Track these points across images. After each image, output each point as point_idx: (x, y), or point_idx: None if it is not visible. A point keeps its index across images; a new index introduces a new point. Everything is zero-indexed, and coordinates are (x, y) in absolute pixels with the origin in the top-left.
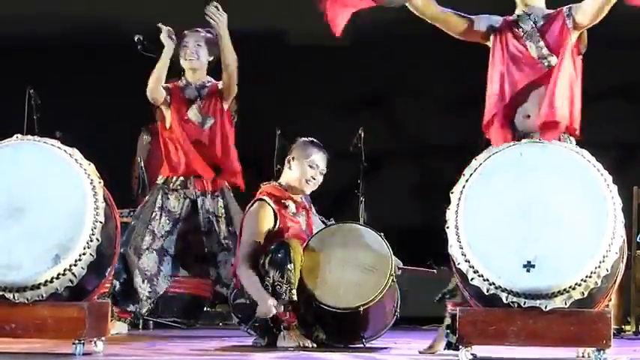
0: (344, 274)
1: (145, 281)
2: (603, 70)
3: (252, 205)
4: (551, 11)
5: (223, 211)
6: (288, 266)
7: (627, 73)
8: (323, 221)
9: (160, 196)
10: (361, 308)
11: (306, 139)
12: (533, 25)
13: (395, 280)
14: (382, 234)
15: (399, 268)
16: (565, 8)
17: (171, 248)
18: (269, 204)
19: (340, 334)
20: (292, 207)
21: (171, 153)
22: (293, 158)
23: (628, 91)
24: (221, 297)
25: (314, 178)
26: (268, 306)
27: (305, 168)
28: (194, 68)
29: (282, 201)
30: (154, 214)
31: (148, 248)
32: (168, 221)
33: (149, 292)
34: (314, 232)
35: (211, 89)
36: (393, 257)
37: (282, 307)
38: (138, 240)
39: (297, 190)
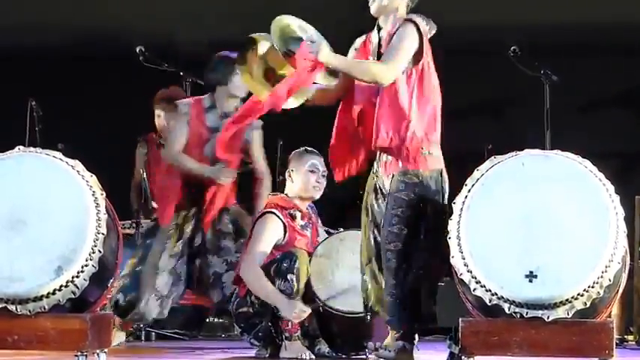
0: (352, 278)
1: (157, 300)
2: (605, 79)
3: (260, 216)
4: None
5: (230, 226)
6: (293, 277)
7: (628, 82)
8: (328, 232)
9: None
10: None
11: (299, 149)
12: (378, 41)
13: None
14: None
15: None
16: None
17: (183, 272)
18: (278, 216)
19: (344, 342)
20: (299, 217)
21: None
22: (292, 170)
23: (629, 101)
24: (226, 311)
25: (318, 182)
26: (291, 306)
27: (307, 176)
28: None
29: (290, 212)
30: (170, 233)
31: (163, 268)
32: (181, 242)
33: (157, 312)
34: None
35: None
36: None
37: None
38: (155, 258)
39: (304, 199)
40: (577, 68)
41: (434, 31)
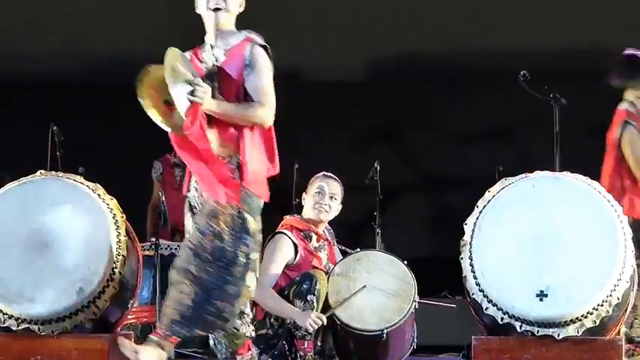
0: (369, 298)
1: None
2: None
3: (272, 237)
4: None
5: None
6: (313, 298)
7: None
8: (343, 251)
9: None
10: (385, 331)
11: (318, 174)
12: (215, 62)
13: (417, 307)
14: (405, 261)
15: (419, 303)
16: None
17: None
18: (289, 237)
19: None
20: (314, 239)
21: None
22: (306, 193)
23: None
24: None
25: (319, 203)
26: (305, 315)
27: (313, 197)
28: None
29: (304, 233)
30: None
31: None
32: None
33: None
34: (336, 261)
35: None
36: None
37: (305, 335)
38: None
39: (316, 222)
40: (585, 92)
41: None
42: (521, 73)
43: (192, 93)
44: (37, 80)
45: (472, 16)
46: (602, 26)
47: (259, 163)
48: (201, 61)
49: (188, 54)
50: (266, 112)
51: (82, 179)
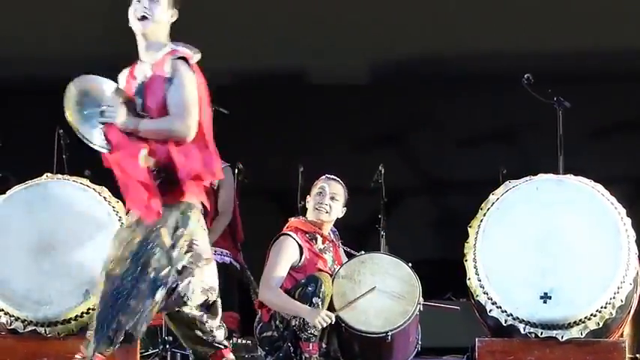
0: (374, 300)
1: None
2: (616, 105)
3: (276, 238)
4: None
5: None
6: (318, 300)
7: (638, 107)
8: (348, 252)
9: None
10: (389, 334)
11: (321, 176)
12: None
13: (421, 309)
14: (410, 264)
15: (423, 305)
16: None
17: None
18: (294, 238)
19: None
20: (320, 241)
21: None
22: (309, 196)
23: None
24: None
25: (320, 203)
26: (314, 312)
27: (314, 198)
28: None
29: (309, 235)
30: None
31: None
32: None
33: None
34: (342, 262)
35: None
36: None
37: (310, 337)
38: None
39: (319, 223)
40: (589, 94)
41: (198, 56)
42: (525, 76)
43: (102, 114)
44: (43, 83)
45: (476, 19)
46: (606, 29)
47: (190, 173)
48: (134, 78)
49: (126, 72)
50: (185, 126)
51: (88, 182)
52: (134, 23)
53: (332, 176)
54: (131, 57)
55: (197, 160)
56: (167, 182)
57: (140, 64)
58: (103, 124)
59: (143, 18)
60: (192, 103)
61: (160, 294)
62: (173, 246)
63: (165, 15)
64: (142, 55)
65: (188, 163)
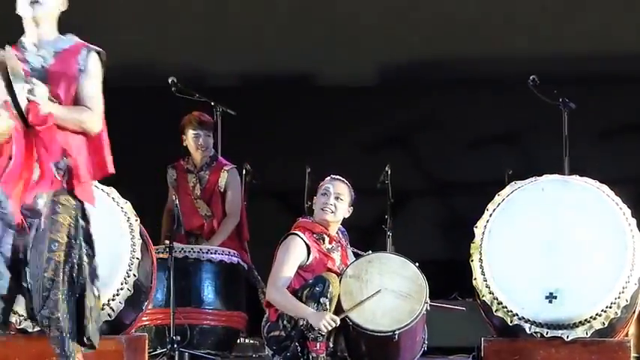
0: (381, 299)
1: None
2: (621, 106)
3: (284, 238)
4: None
5: None
6: (325, 300)
7: None
8: (355, 253)
9: None
10: (396, 333)
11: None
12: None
13: (428, 309)
14: (417, 263)
15: (429, 305)
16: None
17: None
18: (302, 238)
19: None
20: (327, 241)
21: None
22: (316, 196)
23: None
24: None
25: (325, 203)
26: (319, 316)
27: (320, 198)
28: None
29: (316, 235)
30: None
31: None
32: None
33: None
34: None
35: None
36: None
37: (318, 337)
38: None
39: (326, 223)
40: (594, 96)
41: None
42: (531, 77)
43: (30, 92)
44: None
45: (482, 22)
46: (612, 31)
47: (87, 168)
48: (25, 62)
49: (11, 52)
50: (95, 118)
51: (96, 182)
52: (24, 9)
53: (337, 176)
54: None
55: (89, 155)
56: (65, 173)
57: (31, 49)
58: (28, 101)
59: (34, 2)
60: (101, 96)
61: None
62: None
63: (55, 2)
64: (31, 40)
65: (82, 158)
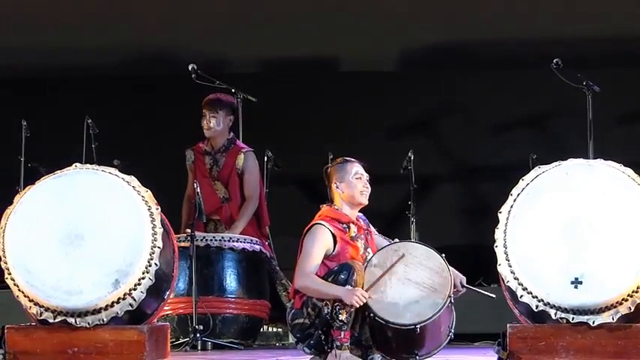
0: (404, 290)
1: None
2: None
3: (309, 228)
4: None
5: None
6: (350, 288)
7: None
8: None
9: None
10: (418, 326)
11: (337, 161)
12: None
13: (452, 301)
14: (444, 255)
15: (462, 286)
16: None
17: None
18: (327, 228)
19: (394, 350)
20: (353, 229)
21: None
22: (340, 182)
23: None
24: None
25: (366, 187)
26: (351, 292)
27: (354, 183)
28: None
29: (343, 224)
30: None
31: None
32: None
33: None
34: (377, 249)
35: None
36: (458, 275)
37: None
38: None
39: (353, 208)
40: (618, 79)
41: None
42: (554, 60)
43: None
44: (72, 73)
45: (505, 5)
46: (637, 13)
47: None
48: None
49: None
50: None
51: (116, 171)
52: None
53: (351, 159)
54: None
55: None
56: None
57: None
58: None
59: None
60: None
61: None
62: None
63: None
64: None
65: None
